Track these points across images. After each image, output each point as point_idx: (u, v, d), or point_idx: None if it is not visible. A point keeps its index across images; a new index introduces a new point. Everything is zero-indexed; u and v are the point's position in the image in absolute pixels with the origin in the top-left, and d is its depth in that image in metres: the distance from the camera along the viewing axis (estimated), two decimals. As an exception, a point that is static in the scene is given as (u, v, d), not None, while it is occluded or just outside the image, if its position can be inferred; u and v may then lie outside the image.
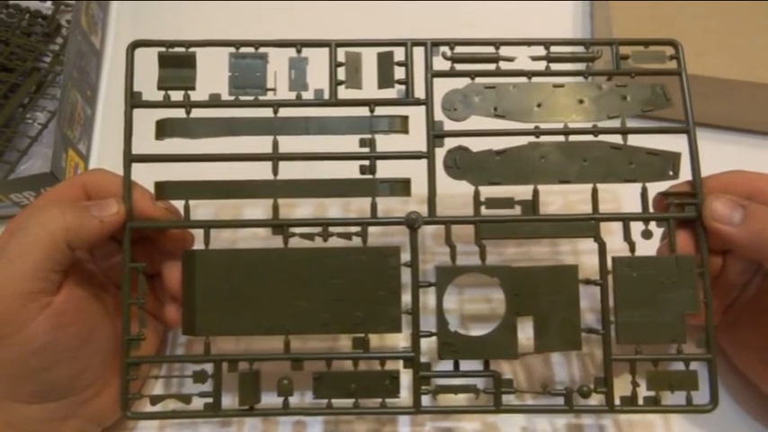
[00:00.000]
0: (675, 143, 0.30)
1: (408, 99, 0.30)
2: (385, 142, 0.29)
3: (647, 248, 0.29)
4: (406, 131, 0.30)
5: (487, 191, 0.29)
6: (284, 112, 0.29)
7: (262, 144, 0.29)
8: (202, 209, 0.36)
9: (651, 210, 0.30)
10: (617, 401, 0.28)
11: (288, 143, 0.29)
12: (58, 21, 0.44)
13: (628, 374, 0.28)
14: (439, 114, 0.30)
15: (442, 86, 0.30)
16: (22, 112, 0.40)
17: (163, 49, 0.30)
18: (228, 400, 0.29)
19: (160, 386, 0.33)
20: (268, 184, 0.29)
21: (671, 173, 0.29)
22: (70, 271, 0.28)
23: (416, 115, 0.30)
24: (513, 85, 0.30)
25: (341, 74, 0.30)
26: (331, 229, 0.29)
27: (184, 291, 0.29)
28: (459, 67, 0.30)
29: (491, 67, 0.30)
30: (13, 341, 0.26)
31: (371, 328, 0.29)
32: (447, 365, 0.29)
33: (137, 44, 0.30)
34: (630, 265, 0.28)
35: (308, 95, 0.30)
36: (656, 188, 0.30)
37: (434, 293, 0.29)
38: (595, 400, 0.29)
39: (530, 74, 0.30)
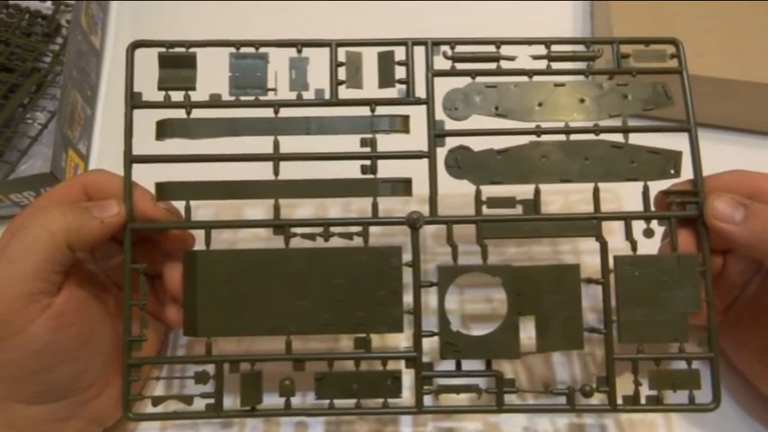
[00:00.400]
0: (676, 143, 0.30)
1: (409, 98, 0.30)
2: (386, 142, 0.29)
3: (648, 248, 0.29)
4: (407, 131, 0.30)
5: (489, 190, 0.29)
6: (285, 113, 0.29)
7: (262, 144, 0.29)
8: (203, 210, 0.36)
9: (652, 208, 0.30)
10: (619, 401, 0.28)
11: (289, 143, 0.29)
12: (58, 21, 0.44)
13: (629, 374, 0.28)
14: (440, 114, 0.30)
15: (442, 86, 0.30)
16: (22, 112, 0.40)
17: (163, 50, 0.29)
18: (230, 401, 0.29)
19: (161, 387, 0.33)
20: (269, 185, 0.29)
21: (672, 171, 0.29)
22: (71, 272, 0.28)
23: (417, 115, 0.30)
24: (514, 84, 0.30)
25: (341, 74, 0.30)
26: (332, 229, 0.29)
27: (185, 291, 0.29)
28: (459, 66, 0.30)
29: (492, 66, 0.30)
30: (13, 342, 0.26)
31: (373, 328, 0.29)
32: (449, 365, 0.29)
33: (137, 44, 0.29)
34: (632, 264, 0.28)
35: (308, 95, 0.30)
36: (657, 187, 0.30)
37: (435, 293, 0.29)
38: (597, 399, 0.29)
39: (531, 73, 0.30)
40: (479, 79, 0.30)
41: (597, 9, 0.43)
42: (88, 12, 0.43)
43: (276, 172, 0.29)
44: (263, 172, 0.29)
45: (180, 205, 0.30)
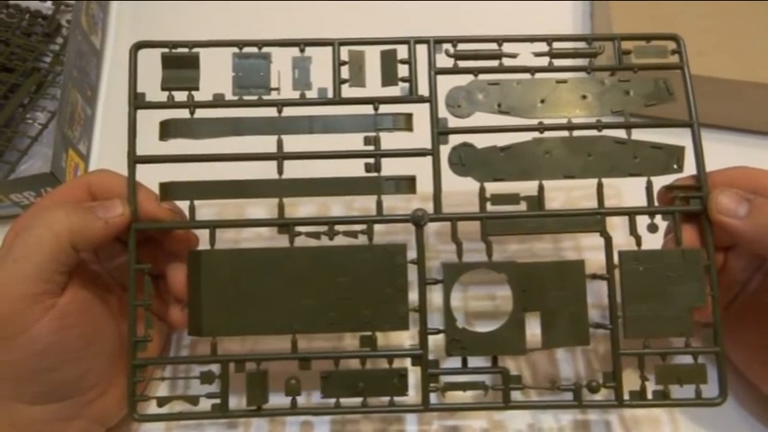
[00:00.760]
0: (678, 141, 0.30)
1: (412, 97, 0.30)
2: (389, 140, 0.29)
3: (651, 244, 0.29)
4: (410, 129, 0.30)
5: (492, 187, 0.29)
6: (288, 112, 0.29)
7: (266, 144, 0.29)
8: (206, 209, 0.36)
9: (656, 204, 0.30)
10: (626, 396, 0.28)
11: (292, 142, 0.29)
12: (58, 21, 0.43)
13: (634, 369, 0.28)
14: (443, 111, 0.30)
15: (445, 84, 0.30)
16: (22, 112, 0.40)
17: (166, 50, 0.29)
18: (235, 402, 0.29)
19: (166, 388, 0.33)
20: (273, 184, 0.29)
21: (675, 166, 0.29)
22: (75, 272, 0.27)
23: (420, 113, 0.30)
24: (517, 81, 0.30)
25: (344, 72, 0.30)
26: (336, 227, 0.29)
27: (190, 291, 0.29)
28: (462, 64, 0.30)
29: (494, 63, 0.30)
30: (17, 342, 0.26)
31: (379, 326, 0.29)
32: (454, 363, 0.29)
33: (140, 45, 0.29)
34: (637, 259, 0.28)
35: (311, 94, 0.30)
36: (660, 182, 0.30)
37: (439, 291, 0.29)
38: (603, 395, 0.29)
39: (533, 70, 0.30)
40: (482, 77, 0.30)
41: (597, 9, 0.43)
42: (88, 12, 0.43)
43: (280, 171, 0.29)
44: (266, 171, 0.29)
45: (184, 205, 0.30)
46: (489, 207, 0.29)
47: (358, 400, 0.29)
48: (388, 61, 0.30)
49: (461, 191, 0.30)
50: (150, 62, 0.30)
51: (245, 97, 0.29)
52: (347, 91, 0.30)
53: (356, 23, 0.36)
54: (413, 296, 0.29)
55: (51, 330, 0.26)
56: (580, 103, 0.30)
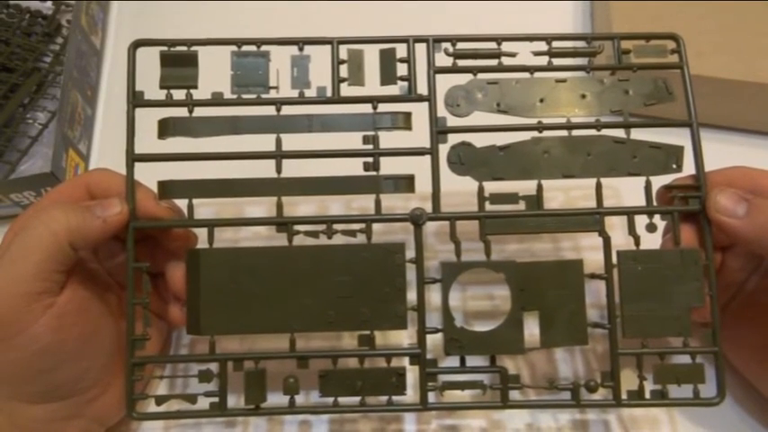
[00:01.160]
0: (677, 141, 0.30)
1: (411, 96, 0.30)
2: (388, 139, 0.29)
3: (649, 245, 0.29)
4: (409, 128, 0.30)
5: (491, 186, 0.29)
6: (287, 110, 0.29)
7: (265, 142, 0.29)
8: (205, 208, 0.36)
9: (654, 203, 0.30)
10: (624, 396, 0.28)
11: (291, 141, 0.29)
12: (58, 21, 0.43)
13: (633, 369, 0.28)
14: (442, 111, 0.30)
15: (444, 83, 0.30)
16: (22, 112, 0.40)
17: (165, 49, 0.29)
18: (233, 401, 0.29)
19: (164, 386, 0.33)
20: (272, 182, 0.29)
21: (674, 166, 0.29)
22: (73, 271, 0.27)
23: (419, 112, 0.30)
24: (516, 80, 0.30)
25: (343, 71, 0.30)
26: (335, 226, 0.29)
27: (188, 290, 0.29)
28: (461, 63, 0.30)
29: (493, 62, 0.30)
30: (16, 342, 0.26)
31: (377, 325, 0.29)
32: (452, 362, 0.29)
33: (138, 43, 0.29)
34: (635, 259, 0.28)
35: (310, 93, 0.30)
36: (659, 182, 0.30)
37: (438, 291, 0.29)
38: (601, 394, 0.29)
39: (532, 69, 0.30)
40: (481, 76, 0.30)
41: (597, 9, 0.43)
42: (88, 12, 0.43)
43: (278, 170, 0.29)
44: (265, 170, 0.29)
45: (182, 204, 0.30)
46: (488, 206, 0.29)
47: (356, 399, 0.29)
48: (387, 60, 0.30)
49: (460, 190, 0.30)
50: (149, 61, 0.30)
51: (244, 96, 0.29)
52: (346, 90, 0.30)
53: (355, 22, 0.37)
54: (411, 295, 0.29)
55: (50, 329, 0.26)
56: (579, 103, 0.30)
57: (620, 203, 0.35)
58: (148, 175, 0.29)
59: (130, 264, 0.28)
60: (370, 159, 0.29)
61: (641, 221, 0.29)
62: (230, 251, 0.29)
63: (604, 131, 0.30)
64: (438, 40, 0.30)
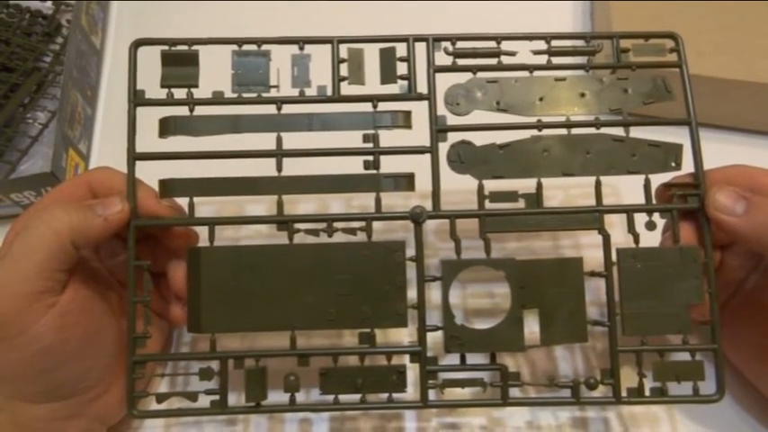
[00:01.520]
0: (676, 140, 0.30)
1: (411, 94, 0.30)
2: (388, 137, 0.30)
3: (649, 242, 0.29)
4: (409, 127, 0.30)
5: (491, 185, 0.30)
6: (287, 109, 0.30)
7: (265, 141, 0.29)
8: (205, 207, 0.36)
9: (653, 201, 0.30)
10: (623, 393, 0.28)
11: (291, 140, 0.29)
12: (58, 20, 0.44)
13: (632, 366, 0.29)
14: (441, 109, 0.30)
15: (444, 81, 0.30)
16: (22, 111, 0.40)
17: (166, 48, 0.30)
18: (234, 399, 0.29)
19: (166, 384, 0.33)
20: (272, 181, 0.29)
21: (673, 164, 0.30)
22: (75, 270, 0.28)
23: (419, 111, 0.30)
24: (515, 79, 0.30)
25: (343, 70, 0.30)
26: (335, 224, 0.29)
27: (189, 288, 0.29)
28: (461, 62, 0.30)
29: (493, 61, 0.30)
30: (18, 341, 0.26)
31: (378, 323, 0.29)
32: (453, 360, 0.29)
33: (139, 42, 0.30)
34: (635, 257, 0.29)
35: (310, 92, 0.30)
36: (658, 180, 0.30)
37: (438, 288, 0.29)
38: (601, 392, 0.29)
39: (531, 68, 0.30)
40: (480, 75, 0.30)
41: (597, 9, 0.43)
42: (88, 11, 0.43)
43: (279, 168, 0.29)
44: (265, 168, 0.29)
45: (183, 202, 0.30)
46: (488, 204, 0.29)
47: (357, 396, 0.29)
48: (387, 59, 0.30)
49: (460, 188, 0.30)
50: (150, 60, 0.30)
51: (245, 95, 0.30)
52: (346, 89, 0.30)
53: (355, 22, 0.37)
54: (411, 293, 0.29)
55: (53, 329, 0.26)
56: (578, 101, 0.30)
57: (620, 201, 0.35)
58: (149, 174, 0.29)
59: (131, 262, 0.29)
60: (370, 158, 0.29)
61: (640, 219, 0.29)
62: (231, 249, 0.29)
63: (603, 130, 0.30)
64: (438, 39, 0.30)
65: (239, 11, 0.45)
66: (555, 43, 0.30)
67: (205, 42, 0.30)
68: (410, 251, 0.29)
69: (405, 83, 0.30)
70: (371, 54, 0.30)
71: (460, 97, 0.30)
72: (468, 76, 0.30)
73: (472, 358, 0.29)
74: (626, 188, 0.35)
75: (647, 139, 0.30)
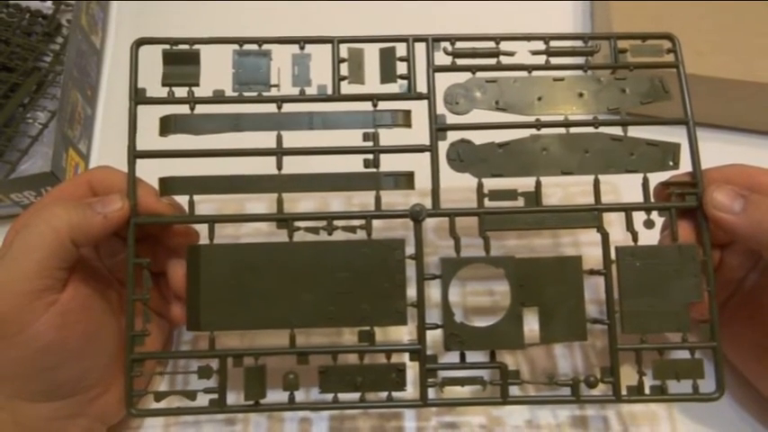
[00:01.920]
0: (674, 139, 0.30)
1: (411, 94, 0.30)
2: (388, 136, 0.30)
3: (648, 240, 0.30)
4: (408, 125, 0.30)
5: (490, 183, 0.30)
6: (288, 108, 0.30)
7: (265, 140, 0.29)
8: (205, 205, 0.36)
9: (652, 200, 0.30)
10: (623, 391, 0.28)
11: (291, 138, 0.29)
12: (58, 20, 0.44)
13: (632, 365, 0.29)
14: (441, 108, 0.30)
15: (443, 81, 0.30)
16: (22, 111, 0.40)
17: (167, 47, 0.30)
18: (233, 397, 0.29)
19: (165, 383, 0.33)
20: (272, 179, 0.29)
21: (671, 163, 0.30)
22: (75, 269, 0.28)
23: (419, 110, 0.30)
24: (514, 79, 0.30)
25: (344, 69, 0.30)
26: (335, 222, 0.29)
27: (189, 286, 0.29)
28: (460, 61, 0.30)
29: (492, 61, 0.30)
30: (19, 340, 0.26)
31: (377, 321, 0.29)
32: (452, 358, 0.29)
33: (141, 42, 0.30)
34: (634, 255, 0.29)
35: (311, 91, 0.30)
36: (656, 179, 0.30)
37: (437, 287, 0.29)
38: (601, 390, 0.29)
39: (530, 68, 0.30)
40: (480, 74, 0.30)
41: (597, 9, 0.44)
42: (88, 11, 0.43)
43: (279, 167, 0.29)
44: (266, 167, 0.29)
45: (183, 201, 0.30)
46: (487, 203, 0.30)
47: (356, 395, 0.29)
48: (387, 59, 0.30)
49: (459, 187, 0.30)
50: (151, 60, 0.30)
51: (245, 93, 0.30)
52: (346, 88, 0.30)
53: (355, 21, 0.37)
54: (411, 291, 0.29)
55: (53, 327, 0.26)
56: (577, 101, 0.30)
57: (619, 200, 0.35)
58: (150, 173, 0.30)
59: (131, 259, 0.29)
60: (370, 156, 0.29)
61: (639, 218, 0.29)
62: (231, 247, 0.30)
63: (602, 129, 0.30)
64: (437, 39, 0.30)
65: (239, 11, 0.45)
66: (553, 44, 0.30)
67: (206, 42, 0.30)
68: (410, 249, 0.29)
69: (404, 82, 0.30)
70: (371, 54, 0.30)
71: (460, 97, 0.30)
72: (467, 75, 0.30)
73: (472, 356, 0.29)
74: (624, 187, 0.35)
75: (645, 139, 0.30)
